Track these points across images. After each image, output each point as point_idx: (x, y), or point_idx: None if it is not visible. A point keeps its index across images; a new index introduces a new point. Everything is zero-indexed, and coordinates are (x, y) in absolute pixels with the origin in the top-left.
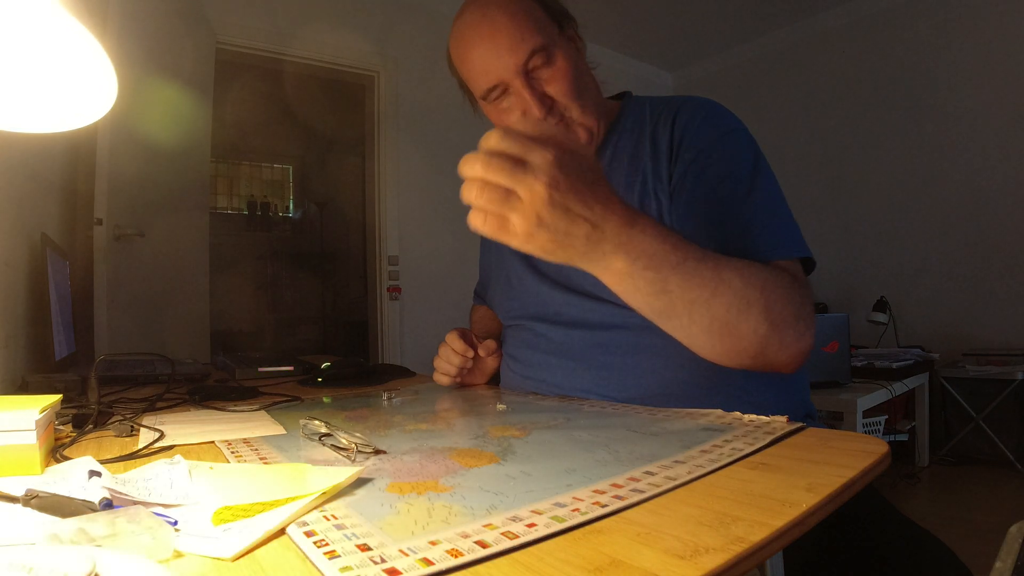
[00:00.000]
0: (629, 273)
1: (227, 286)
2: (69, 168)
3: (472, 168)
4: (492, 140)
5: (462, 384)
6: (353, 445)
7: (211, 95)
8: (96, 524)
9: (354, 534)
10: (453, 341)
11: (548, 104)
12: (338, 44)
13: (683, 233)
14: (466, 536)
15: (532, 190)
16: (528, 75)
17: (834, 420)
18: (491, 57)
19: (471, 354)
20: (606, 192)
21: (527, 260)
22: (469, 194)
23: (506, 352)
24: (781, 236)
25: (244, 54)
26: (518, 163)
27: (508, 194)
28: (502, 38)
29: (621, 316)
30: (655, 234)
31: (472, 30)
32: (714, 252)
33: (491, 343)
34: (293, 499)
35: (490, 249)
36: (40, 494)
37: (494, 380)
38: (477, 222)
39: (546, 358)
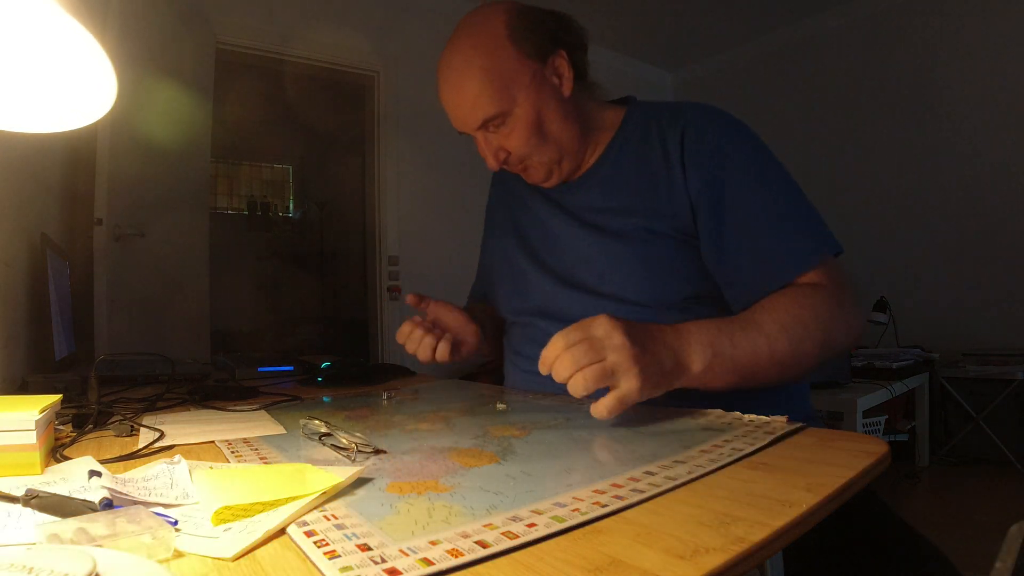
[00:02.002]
0: (709, 367)
1: (227, 286)
2: (69, 168)
3: (562, 366)
4: (559, 344)
5: (458, 361)
6: (353, 445)
7: (211, 95)
8: (96, 524)
9: (354, 534)
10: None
11: (503, 158)
12: (338, 44)
13: (716, 268)
14: (466, 536)
15: (615, 345)
16: (487, 129)
17: (834, 420)
18: (453, 110)
19: (422, 311)
20: (654, 326)
21: (532, 257)
22: (566, 379)
23: (511, 349)
24: (800, 246)
25: (244, 54)
26: (587, 340)
27: (604, 369)
28: (460, 100)
29: (624, 312)
30: (707, 326)
31: (442, 77)
32: (750, 311)
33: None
34: (293, 499)
35: (494, 249)
36: (40, 494)
37: (498, 379)
38: (580, 391)
39: None
